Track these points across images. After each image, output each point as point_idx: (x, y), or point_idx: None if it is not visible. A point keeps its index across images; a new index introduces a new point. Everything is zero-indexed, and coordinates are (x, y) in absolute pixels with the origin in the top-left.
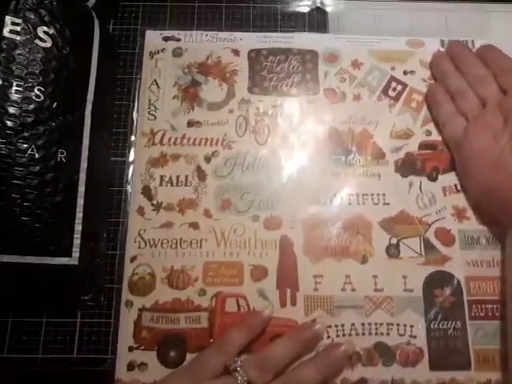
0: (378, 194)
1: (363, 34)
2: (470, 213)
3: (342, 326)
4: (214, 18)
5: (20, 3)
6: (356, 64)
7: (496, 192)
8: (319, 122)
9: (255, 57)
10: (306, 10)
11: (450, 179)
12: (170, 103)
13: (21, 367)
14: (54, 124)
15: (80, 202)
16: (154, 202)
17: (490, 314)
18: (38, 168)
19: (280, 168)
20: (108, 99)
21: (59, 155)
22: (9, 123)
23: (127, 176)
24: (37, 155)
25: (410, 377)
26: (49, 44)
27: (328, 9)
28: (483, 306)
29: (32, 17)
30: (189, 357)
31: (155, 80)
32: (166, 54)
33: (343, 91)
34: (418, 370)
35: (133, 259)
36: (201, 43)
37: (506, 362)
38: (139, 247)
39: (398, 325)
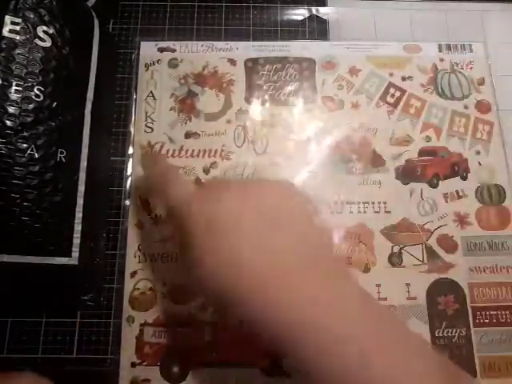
0: (379, 202)
1: (362, 38)
2: (472, 219)
3: None
4: (213, 17)
5: (20, 3)
6: (353, 71)
7: None
8: (318, 130)
9: (252, 66)
10: (301, 17)
11: (451, 185)
12: (167, 115)
13: (21, 367)
14: (53, 124)
15: (80, 201)
16: (153, 215)
17: (494, 320)
18: (37, 168)
19: (279, 178)
20: (108, 99)
21: (59, 155)
22: (8, 123)
23: (126, 178)
24: (36, 155)
25: None
26: (48, 43)
27: (325, 16)
28: (487, 313)
29: (32, 16)
30: (192, 372)
31: (151, 92)
32: (162, 65)
33: (341, 99)
34: None
35: (133, 274)
36: (196, 53)
37: None
38: (139, 262)
39: None
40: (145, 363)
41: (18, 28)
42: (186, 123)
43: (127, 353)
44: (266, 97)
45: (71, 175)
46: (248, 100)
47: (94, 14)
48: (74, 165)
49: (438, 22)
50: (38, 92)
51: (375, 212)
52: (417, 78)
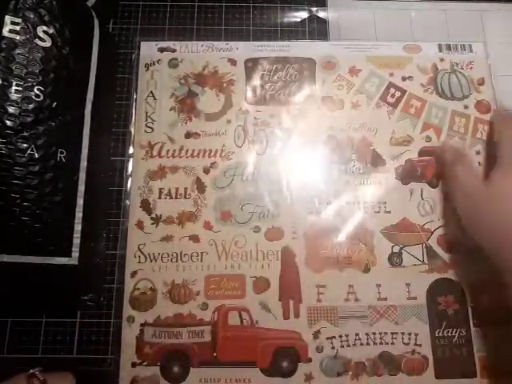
0: (379, 202)
1: (362, 38)
2: None
3: (347, 336)
4: (213, 17)
5: (20, 3)
6: (353, 71)
7: None
8: (318, 130)
9: (252, 66)
10: (301, 18)
11: None
12: (167, 115)
13: (21, 367)
14: (53, 124)
15: (80, 201)
16: (153, 215)
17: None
18: (37, 168)
19: (280, 178)
20: (108, 99)
21: (59, 155)
22: (8, 123)
23: (126, 178)
24: (36, 155)
25: None
26: (48, 43)
27: (325, 16)
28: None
29: (32, 16)
30: (192, 372)
31: (151, 92)
32: (162, 65)
33: (341, 99)
34: (424, 378)
35: (133, 274)
36: (197, 53)
37: None
38: (139, 262)
39: (402, 333)
40: (145, 363)
41: (18, 28)
42: (186, 123)
43: (127, 353)
44: (267, 97)
45: (71, 175)
46: (248, 100)
47: (94, 13)
48: (74, 165)
49: (438, 22)
50: (38, 92)
51: (375, 212)
52: (417, 78)
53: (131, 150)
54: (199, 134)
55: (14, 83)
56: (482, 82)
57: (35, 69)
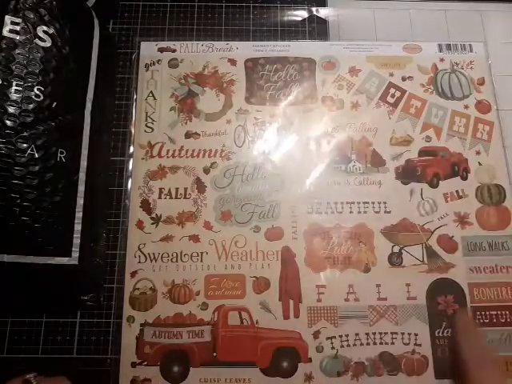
0: (379, 202)
1: (362, 38)
2: (472, 218)
3: (347, 336)
4: (213, 17)
5: (20, 3)
6: (354, 71)
7: None
8: (318, 130)
9: (252, 66)
10: (301, 17)
11: (451, 185)
12: (167, 115)
13: (21, 367)
14: (53, 123)
15: (80, 202)
16: (153, 215)
17: (494, 320)
18: (37, 168)
19: (280, 178)
20: (108, 99)
21: (59, 155)
22: (8, 123)
23: (126, 178)
24: (36, 155)
25: None
26: (48, 43)
27: (325, 16)
28: (487, 313)
29: (32, 16)
30: (192, 372)
31: (151, 92)
32: (162, 65)
33: (341, 99)
34: (424, 378)
35: (133, 274)
36: (197, 53)
37: None
38: (139, 262)
39: (402, 333)
40: (145, 363)
41: (18, 28)
42: (186, 123)
43: (127, 353)
44: (266, 97)
45: (71, 175)
46: (248, 100)
47: (93, 13)
48: (74, 165)
49: (438, 22)
50: (38, 92)
51: (375, 212)
52: (417, 78)
53: (131, 150)
54: (199, 134)
55: (14, 83)
56: (482, 82)
57: (35, 69)
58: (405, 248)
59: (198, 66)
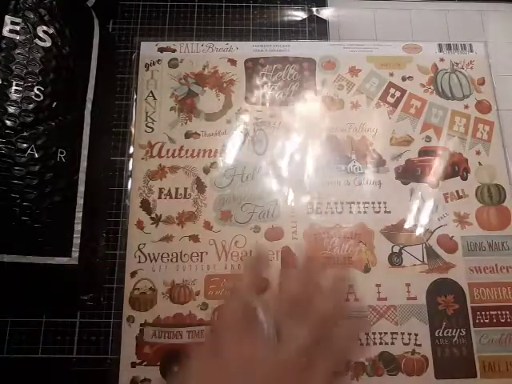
0: (380, 202)
1: (362, 38)
2: (472, 219)
3: None
4: (213, 17)
5: (20, 2)
6: (354, 71)
7: None
8: (318, 130)
9: (252, 66)
10: (301, 17)
11: (451, 185)
12: (167, 115)
13: (21, 367)
14: (53, 124)
15: (80, 201)
16: (153, 215)
17: (494, 320)
18: (37, 168)
19: (280, 178)
20: (108, 99)
21: (59, 155)
22: (8, 123)
23: (126, 178)
24: (36, 155)
25: None
26: (48, 43)
27: (325, 16)
28: (487, 313)
29: (32, 16)
30: None
31: (151, 92)
32: (162, 65)
33: (341, 99)
34: (424, 378)
35: (133, 274)
36: (196, 53)
37: None
38: (139, 262)
39: (402, 334)
40: (145, 363)
41: (18, 28)
42: (186, 123)
43: (127, 353)
44: (266, 97)
45: (71, 175)
46: (248, 100)
47: (93, 14)
48: (74, 165)
49: (438, 22)
50: (38, 92)
51: (375, 212)
52: (417, 78)
53: (131, 150)
54: (199, 134)
55: (14, 83)
56: (482, 82)
57: (35, 69)
58: (405, 248)
59: (198, 65)
